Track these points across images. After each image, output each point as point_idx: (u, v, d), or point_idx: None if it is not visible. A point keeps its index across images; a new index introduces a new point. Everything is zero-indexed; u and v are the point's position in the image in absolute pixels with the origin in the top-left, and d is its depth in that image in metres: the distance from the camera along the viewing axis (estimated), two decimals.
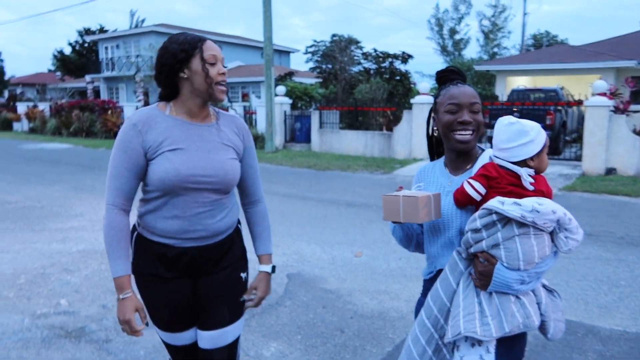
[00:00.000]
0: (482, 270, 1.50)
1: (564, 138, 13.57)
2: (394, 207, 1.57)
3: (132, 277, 1.83)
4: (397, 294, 4.17)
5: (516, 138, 1.54)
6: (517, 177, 1.53)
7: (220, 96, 1.78)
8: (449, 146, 1.70)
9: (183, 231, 1.79)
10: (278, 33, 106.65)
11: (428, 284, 1.75)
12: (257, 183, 2.04)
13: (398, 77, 18.32)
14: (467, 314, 1.49)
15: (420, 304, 1.77)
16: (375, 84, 16.55)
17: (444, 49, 41.31)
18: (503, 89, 18.99)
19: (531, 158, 1.55)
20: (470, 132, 1.63)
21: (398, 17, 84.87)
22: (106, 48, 32.77)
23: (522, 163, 1.55)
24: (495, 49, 39.83)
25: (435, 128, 1.76)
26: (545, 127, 12.59)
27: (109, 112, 21.60)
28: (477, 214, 1.52)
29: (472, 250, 1.53)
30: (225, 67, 1.80)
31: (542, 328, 1.59)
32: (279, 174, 11.09)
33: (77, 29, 46.17)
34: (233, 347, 1.96)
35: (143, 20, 40.19)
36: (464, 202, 1.59)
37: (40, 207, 7.50)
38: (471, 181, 1.56)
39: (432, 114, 1.77)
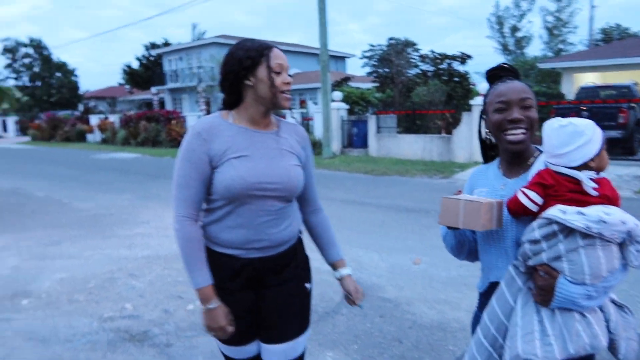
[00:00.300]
0: (542, 285, 1.38)
1: (638, 137, 12.66)
2: (453, 211, 1.47)
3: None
4: (458, 304, 4.01)
5: (572, 141, 1.40)
6: (577, 182, 1.40)
7: (284, 104, 1.76)
8: (501, 147, 1.59)
9: (248, 241, 1.76)
10: (334, 39, 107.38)
11: (483, 297, 1.64)
12: (317, 191, 2.03)
13: (457, 79, 17.88)
14: (525, 334, 1.37)
15: (476, 318, 1.67)
16: (433, 86, 16.21)
17: (505, 48, 39.95)
18: (570, 87, 18.04)
19: (592, 159, 1.40)
20: (522, 131, 1.50)
21: (456, 17, 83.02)
22: (170, 61, 34.28)
23: (582, 166, 1.41)
24: (561, 46, 38.04)
25: (487, 130, 1.66)
26: (618, 126, 11.81)
27: (173, 122, 22.50)
28: (535, 223, 1.40)
29: (530, 262, 1.41)
30: (290, 76, 1.78)
31: (612, 348, 1.44)
32: (337, 179, 11.08)
33: (144, 43, 48.56)
34: (301, 359, 1.94)
35: (204, 33, 41.79)
36: (518, 212, 1.47)
37: (110, 215, 7.89)
38: (526, 190, 1.43)
39: (482, 115, 1.66)
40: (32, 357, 3.29)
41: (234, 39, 29.91)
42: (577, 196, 1.39)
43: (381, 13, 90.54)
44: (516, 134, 1.50)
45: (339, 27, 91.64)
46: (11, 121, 39.36)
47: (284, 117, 17.29)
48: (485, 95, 1.61)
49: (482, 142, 1.72)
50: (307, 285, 1.97)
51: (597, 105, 12.21)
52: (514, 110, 1.50)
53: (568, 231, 1.34)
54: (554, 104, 13.54)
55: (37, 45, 45.60)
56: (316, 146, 16.07)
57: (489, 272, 1.61)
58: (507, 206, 1.49)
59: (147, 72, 39.40)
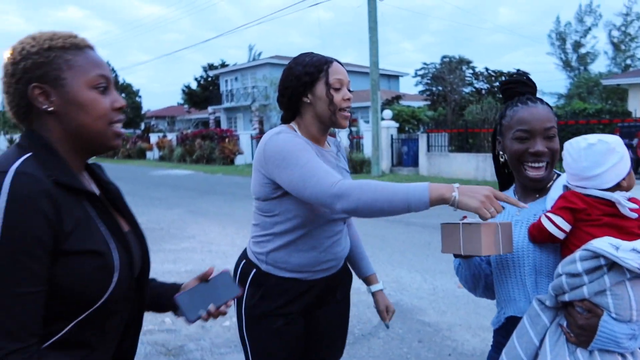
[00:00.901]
0: (583, 324, 1.20)
1: None
2: (453, 237, 1.32)
3: (244, 320, 1.73)
4: None
5: (605, 160, 1.25)
6: (612, 205, 1.24)
7: (343, 123, 1.68)
8: (518, 178, 1.45)
9: (317, 263, 1.69)
10: (388, 58, 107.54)
11: (498, 334, 1.48)
12: None
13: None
14: None
15: (490, 359, 1.50)
16: (487, 104, 15.79)
17: (567, 64, 38.52)
18: (637, 104, 17.03)
19: (623, 178, 1.25)
20: (543, 165, 1.36)
21: (515, 35, 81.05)
22: (226, 81, 35.44)
23: (615, 186, 1.25)
24: (629, 61, 36.19)
25: (501, 153, 1.48)
26: None
27: (227, 140, 23.13)
28: (577, 255, 1.22)
29: (567, 298, 1.23)
30: (350, 92, 1.70)
31: None
32: None
33: (202, 65, 50.55)
34: None
35: (260, 54, 42.98)
36: (542, 240, 1.32)
37: (160, 229, 8.12)
38: (551, 216, 1.28)
39: (497, 137, 1.49)
40: None
41: (287, 59, 30.40)
42: (615, 221, 1.24)
43: (435, 32, 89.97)
44: (538, 169, 1.36)
45: (393, 46, 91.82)
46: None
47: (333, 135, 17.35)
48: (502, 116, 1.45)
49: (496, 161, 1.56)
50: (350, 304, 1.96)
51: None
52: (537, 141, 1.35)
53: (613, 263, 1.17)
54: (618, 123, 12.81)
55: None
56: (365, 164, 15.98)
57: (505, 306, 1.45)
58: (529, 232, 1.35)
59: (204, 92, 40.87)
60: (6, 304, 0.90)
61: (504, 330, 1.43)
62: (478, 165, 13.90)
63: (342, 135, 18.44)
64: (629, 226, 1.24)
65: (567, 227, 1.27)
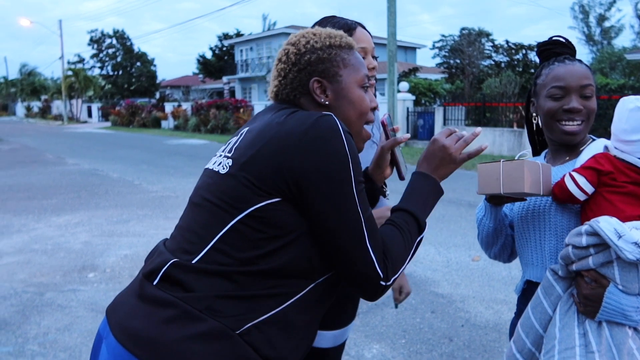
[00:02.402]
0: (588, 294, 1.17)
1: None
2: (492, 176, 1.26)
3: None
4: None
5: None
6: None
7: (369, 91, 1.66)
8: (551, 137, 1.39)
9: None
10: (406, 30, 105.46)
11: (519, 301, 1.45)
12: None
13: (533, 70, 16.97)
14: (564, 349, 1.16)
15: (514, 325, 1.47)
16: (506, 78, 15.47)
17: (589, 38, 37.47)
18: None
19: None
20: (579, 122, 1.31)
21: (536, 6, 78.71)
22: (241, 51, 35.13)
23: None
24: None
25: (535, 115, 1.45)
26: None
27: (241, 110, 23.08)
28: (583, 228, 1.18)
29: (574, 267, 1.20)
30: (376, 59, 1.65)
31: None
32: None
33: (217, 34, 50.12)
34: (344, 344, 1.91)
35: (275, 23, 42.42)
36: (564, 200, 1.27)
37: (175, 197, 8.20)
38: (575, 175, 1.23)
39: (532, 98, 1.46)
40: (92, 327, 3.46)
41: (302, 29, 30.03)
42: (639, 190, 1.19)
43: (455, 4, 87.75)
44: (572, 125, 1.32)
45: (411, 17, 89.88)
46: (95, 108, 42.12)
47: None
48: (537, 76, 1.42)
49: (530, 126, 1.52)
50: None
51: None
52: (572, 98, 1.31)
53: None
54: None
55: (120, 36, 48.36)
56: None
57: (525, 270, 1.42)
58: (552, 191, 1.29)
59: (219, 62, 40.64)
60: (369, 222, 1.03)
61: (524, 296, 1.41)
62: (495, 140, 13.73)
63: None
64: None
65: (589, 188, 1.22)
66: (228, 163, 1.06)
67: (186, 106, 28.31)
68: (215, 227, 1.01)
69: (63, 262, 4.90)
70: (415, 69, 21.70)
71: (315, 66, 1.13)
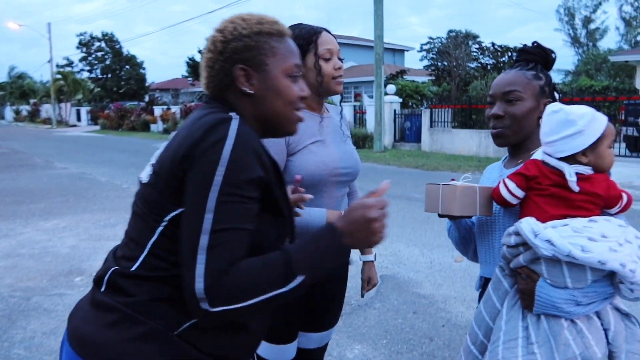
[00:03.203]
0: (523, 289, 1.27)
1: None
2: (434, 197, 1.41)
3: None
4: None
5: (560, 129, 1.28)
6: (563, 176, 1.28)
7: (337, 88, 1.74)
8: None
9: None
10: (394, 32, 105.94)
11: (480, 297, 1.55)
12: None
13: None
14: (508, 340, 1.26)
15: None
16: (492, 80, 15.63)
17: (575, 40, 37.93)
18: None
19: (583, 153, 1.27)
20: (501, 127, 1.43)
21: (522, 9, 79.56)
22: None
23: (572, 159, 1.28)
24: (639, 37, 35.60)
25: None
26: None
27: None
28: (512, 229, 1.29)
29: (511, 265, 1.31)
30: (341, 60, 1.75)
31: None
32: (385, 173, 10.97)
33: (207, 37, 49.94)
34: (327, 344, 1.99)
35: None
36: (501, 204, 1.38)
37: None
38: (507, 181, 1.34)
39: None
40: None
41: None
42: (561, 192, 1.28)
43: (443, 6, 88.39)
44: (496, 130, 1.45)
45: (399, 19, 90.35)
46: (84, 111, 41.81)
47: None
48: None
49: None
50: (348, 272, 1.99)
51: None
52: (495, 104, 1.45)
53: None
54: (624, 100, 12.73)
55: (110, 40, 48.06)
56: (368, 139, 15.97)
57: (481, 267, 1.54)
58: (493, 195, 1.40)
59: None
60: (220, 245, 0.95)
61: (483, 292, 1.51)
62: (481, 142, 13.90)
63: (347, 110, 18.39)
64: (575, 199, 1.27)
65: (520, 192, 1.32)
66: (149, 172, 1.08)
67: (175, 109, 28.22)
68: (148, 234, 1.04)
69: (50, 266, 4.92)
70: (403, 72, 21.86)
71: (241, 54, 1.09)
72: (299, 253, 1.00)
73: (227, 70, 1.09)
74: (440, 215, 1.45)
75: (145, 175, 1.10)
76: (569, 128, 1.27)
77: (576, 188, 1.26)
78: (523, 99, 1.42)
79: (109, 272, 1.08)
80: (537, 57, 1.48)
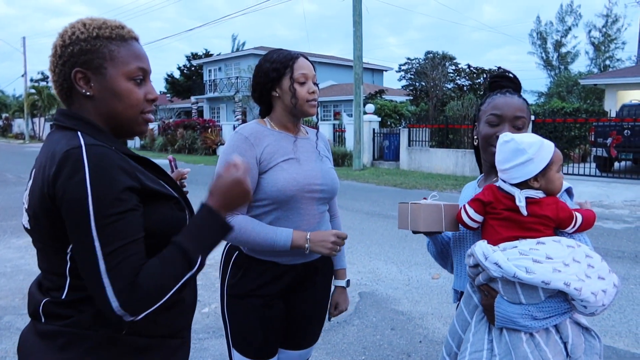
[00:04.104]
0: (484, 304, 1.36)
1: None
2: (404, 215, 1.51)
3: (225, 299, 1.82)
4: None
5: (512, 158, 1.36)
6: (514, 199, 1.36)
7: (310, 111, 1.80)
8: (485, 158, 1.57)
9: None
10: (373, 52, 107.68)
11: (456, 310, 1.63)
12: (336, 198, 2.05)
13: None
14: (474, 351, 1.33)
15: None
16: (468, 101, 16.02)
17: (547, 63, 39.08)
18: (613, 104, 17.48)
19: (534, 178, 1.36)
20: None
21: (497, 33, 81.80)
22: (210, 71, 35.12)
23: (524, 184, 1.37)
24: (608, 62, 36.89)
25: (475, 137, 1.62)
26: None
27: (209, 130, 23.01)
28: (470, 250, 1.37)
29: (475, 282, 1.39)
30: (316, 85, 1.82)
31: None
32: (364, 191, 11.06)
33: (186, 54, 49.98)
34: None
35: (244, 44, 42.63)
36: (465, 227, 1.47)
37: None
38: (467, 207, 1.44)
39: (475, 122, 1.63)
40: None
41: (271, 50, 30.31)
42: (513, 215, 1.36)
43: (420, 28, 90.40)
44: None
45: (378, 40, 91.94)
46: None
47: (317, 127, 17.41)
48: (481, 104, 1.59)
49: (476, 149, 1.68)
50: (331, 292, 2.02)
51: (639, 124, 11.74)
52: (505, 126, 1.47)
53: None
54: (593, 122, 13.14)
55: None
56: (347, 158, 16.09)
57: (455, 279, 1.61)
58: (456, 219, 1.49)
59: (187, 82, 40.45)
60: (111, 257, 1.01)
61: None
62: (457, 161, 14.14)
63: (326, 129, 18.52)
64: (526, 221, 1.34)
65: (478, 217, 1.41)
66: (27, 219, 1.13)
67: (153, 125, 27.99)
68: (61, 264, 1.09)
69: (23, 284, 4.80)
70: (381, 91, 22.19)
71: (77, 57, 1.11)
72: (188, 240, 1.09)
73: (66, 73, 1.13)
74: (414, 232, 1.52)
75: (25, 221, 1.15)
76: (520, 157, 1.35)
77: (525, 212, 1.34)
78: (525, 126, 1.50)
79: (41, 304, 1.12)
80: (517, 85, 1.58)
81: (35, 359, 1.11)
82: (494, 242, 1.35)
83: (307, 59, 1.82)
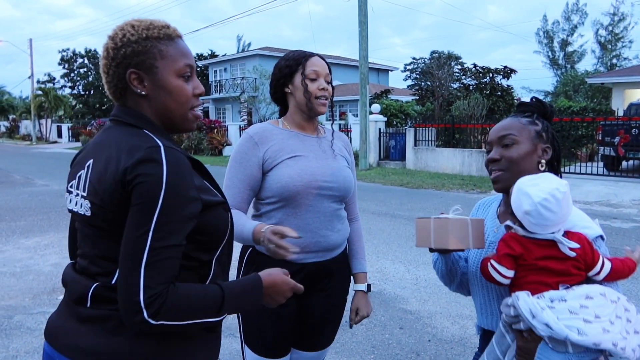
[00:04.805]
0: (522, 346, 1.28)
1: None
2: (425, 231, 1.37)
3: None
4: None
5: (568, 209, 1.30)
6: (550, 244, 1.29)
7: (320, 109, 1.80)
8: None
9: (305, 244, 1.74)
10: (379, 52, 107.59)
11: (480, 342, 1.59)
12: (356, 201, 2.03)
13: (499, 93, 17.54)
14: None
15: (476, 358, 1.59)
16: (474, 100, 15.96)
17: (554, 62, 38.93)
18: (620, 103, 17.39)
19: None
20: (497, 171, 1.45)
21: (503, 32, 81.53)
22: (215, 71, 35.21)
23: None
24: (615, 60, 36.71)
25: None
26: None
27: (215, 131, 23.06)
28: (510, 301, 1.30)
29: (514, 327, 1.32)
30: (328, 83, 1.82)
31: None
32: (371, 191, 11.06)
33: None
34: None
35: (249, 44, 42.76)
36: (493, 283, 1.36)
37: None
38: (496, 265, 1.32)
39: None
40: None
41: (276, 50, 30.41)
42: (551, 264, 1.28)
43: (426, 28, 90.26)
44: (493, 174, 1.46)
45: (383, 40, 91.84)
46: (65, 127, 41.36)
47: (349, 131, 17.45)
48: None
49: None
50: (347, 296, 1.99)
51: None
52: (492, 149, 1.47)
53: None
54: (600, 121, 13.07)
55: (93, 56, 47.90)
56: None
57: (478, 315, 1.55)
58: (481, 272, 1.39)
59: None
60: (157, 252, 1.04)
61: (483, 339, 1.54)
62: (464, 161, 14.10)
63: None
64: (564, 269, 1.29)
65: (510, 273, 1.32)
66: (87, 205, 1.14)
67: None
68: (116, 250, 1.09)
69: (32, 284, 4.84)
70: (387, 91, 22.15)
71: (131, 59, 1.15)
72: (231, 295, 1.15)
73: (120, 75, 1.17)
74: (432, 250, 1.44)
75: (81, 208, 1.16)
76: (570, 202, 1.30)
77: (572, 253, 1.28)
78: (518, 142, 1.42)
79: (91, 288, 1.14)
80: (534, 109, 1.51)
81: (79, 342, 1.12)
82: (531, 290, 1.28)
83: (322, 58, 1.84)
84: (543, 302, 1.25)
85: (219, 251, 1.23)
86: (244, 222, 1.70)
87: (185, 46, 1.23)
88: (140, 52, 1.16)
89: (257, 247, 1.81)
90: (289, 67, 1.79)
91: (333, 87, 1.87)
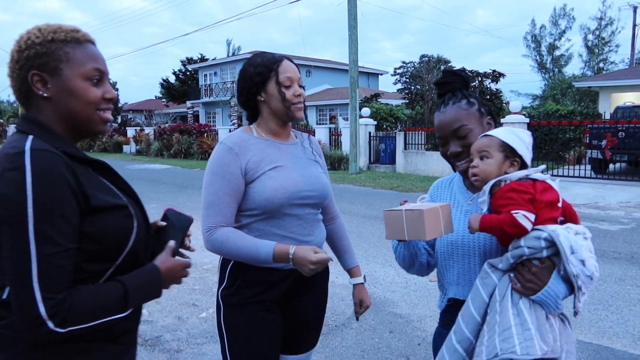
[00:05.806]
0: (536, 272, 1.29)
1: None
2: (397, 223, 1.35)
3: (222, 309, 1.78)
4: None
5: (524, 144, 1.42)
6: (532, 183, 1.35)
7: (298, 115, 1.77)
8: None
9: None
10: (369, 56, 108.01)
11: (444, 315, 1.58)
12: (333, 199, 2.02)
13: (488, 97, 17.68)
14: (503, 330, 1.27)
15: (439, 335, 1.58)
16: None
17: (542, 66, 39.30)
18: (607, 107, 17.59)
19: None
20: (464, 162, 1.47)
21: (491, 36, 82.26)
22: (205, 75, 35.16)
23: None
24: (602, 64, 37.14)
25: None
26: None
27: (205, 135, 22.98)
28: (543, 235, 1.29)
29: (526, 256, 1.31)
30: (302, 87, 1.79)
31: None
32: (361, 195, 11.07)
33: (181, 59, 49.99)
34: None
35: (239, 48, 42.71)
36: (514, 236, 1.32)
37: None
38: (525, 213, 1.29)
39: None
40: None
41: None
42: (552, 197, 1.35)
43: (415, 32, 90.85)
44: (461, 165, 1.49)
45: (373, 44, 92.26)
46: None
47: (313, 132, 17.47)
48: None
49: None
50: (327, 296, 1.99)
51: (633, 126, 11.81)
52: (450, 144, 1.49)
53: None
54: (588, 124, 13.21)
55: None
56: (343, 161, 16.11)
57: (449, 289, 1.54)
58: (504, 229, 1.31)
59: (183, 86, 40.44)
60: (45, 262, 1.03)
61: (447, 312, 1.54)
62: None
63: (322, 132, 18.54)
64: (557, 199, 1.36)
65: (534, 217, 1.31)
66: None
67: (149, 130, 27.95)
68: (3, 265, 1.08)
69: None
70: (377, 95, 22.23)
71: (33, 61, 1.14)
72: (134, 288, 1.16)
73: (23, 77, 1.16)
74: (401, 240, 1.44)
75: None
76: (525, 141, 1.42)
77: (555, 184, 1.38)
78: (472, 130, 1.47)
79: None
80: (457, 84, 1.54)
81: None
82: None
83: (291, 61, 1.80)
84: (578, 240, 1.30)
85: (116, 264, 1.18)
86: (254, 243, 1.66)
87: (95, 51, 1.22)
88: (44, 53, 1.14)
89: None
90: (260, 74, 1.73)
91: (304, 88, 1.84)
